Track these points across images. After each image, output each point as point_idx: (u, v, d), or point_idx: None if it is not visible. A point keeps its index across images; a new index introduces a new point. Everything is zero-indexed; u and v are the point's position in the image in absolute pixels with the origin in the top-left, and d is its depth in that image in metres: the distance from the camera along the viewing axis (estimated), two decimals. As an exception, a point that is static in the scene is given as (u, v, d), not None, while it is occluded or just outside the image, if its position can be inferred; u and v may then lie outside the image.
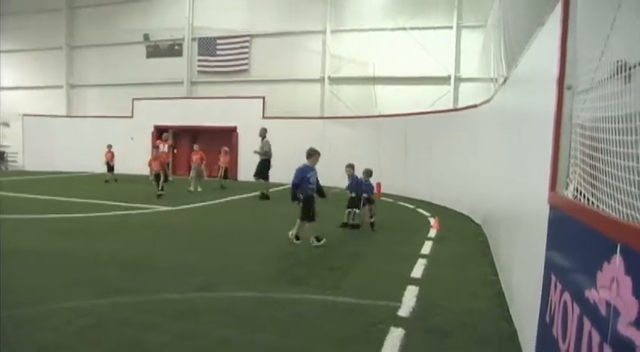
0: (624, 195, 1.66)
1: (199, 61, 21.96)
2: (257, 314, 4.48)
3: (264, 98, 20.23)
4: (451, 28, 18.39)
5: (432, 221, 9.72)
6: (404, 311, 4.66)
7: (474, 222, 10.41)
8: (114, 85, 23.46)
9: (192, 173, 15.29)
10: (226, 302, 4.80)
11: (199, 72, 22.11)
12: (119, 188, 15.64)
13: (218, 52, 21.56)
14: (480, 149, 9.80)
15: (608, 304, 1.65)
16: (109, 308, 4.45)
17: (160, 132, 18.92)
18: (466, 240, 8.55)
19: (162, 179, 13.17)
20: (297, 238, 7.64)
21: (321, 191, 7.99)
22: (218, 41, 21.51)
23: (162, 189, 13.05)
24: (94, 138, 20.45)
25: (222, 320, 4.26)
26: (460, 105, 16.33)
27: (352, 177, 9.24)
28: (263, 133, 13.84)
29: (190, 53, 22.16)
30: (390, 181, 14.34)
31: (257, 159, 13.83)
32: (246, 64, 21.20)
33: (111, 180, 17.56)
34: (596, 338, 1.76)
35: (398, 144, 15.40)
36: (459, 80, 18.45)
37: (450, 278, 6.03)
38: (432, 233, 8.89)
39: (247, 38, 21.06)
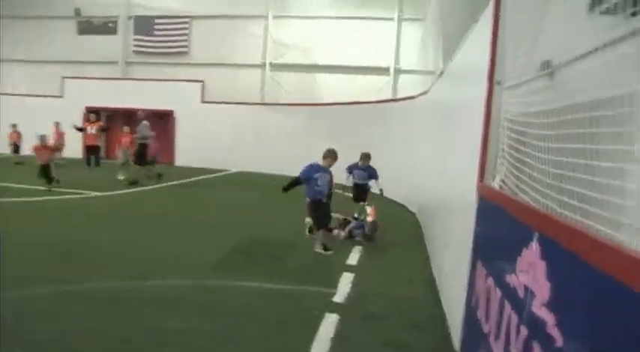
0: (543, 186, 1.78)
1: (135, 40, 20.99)
2: (193, 301, 4.43)
3: (203, 82, 19.74)
4: (392, 19, 18.68)
5: (369, 209, 9.89)
6: (339, 297, 4.76)
7: (409, 210, 10.72)
8: (42, 62, 21.95)
9: (122, 158, 14.13)
10: (161, 289, 4.72)
11: (135, 52, 21.15)
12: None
13: (156, 32, 20.70)
14: (417, 139, 10.08)
15: (525, 288, 1.76)
16: (33, 299, 4.24)
17: (90, 113, 17.97)
18: (401, 228, 8.79)
19: (51, 170, 11.02)
20: (326, 249, 6.58)
21: (328, 198, 6.94)
22: (156, 21, 20.65)
23: (50, 183, 10.91)
24: (20, 118, 19.12)
25: (156, 308, 4.18)
26: (399, 96, 16.66)
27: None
28: (142, 115, 13.10)
29: (126, 32, 21.16)
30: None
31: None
32: (185, 46, 20.54)
33: (19, 162, 16.40)
34: (514, 319, 1.89)
35: (338, 132, 15.54)
36: (398, 71, 18.81)
37: (384, 265, 6.20)
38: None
39: (187, 19, 20.38)
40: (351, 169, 8.71)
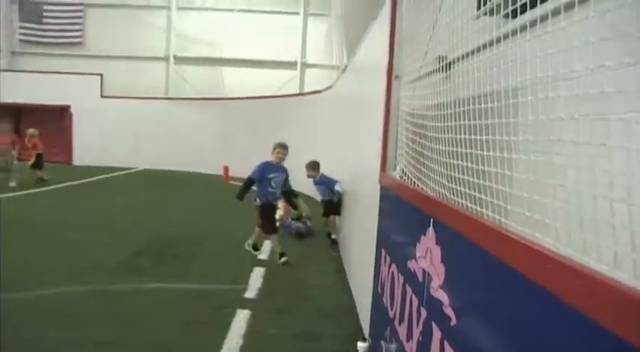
0: (437, 175, 1.88)
1: (22, 28, 19.20)
2: (94, 310, 4.16)
3: (102, 75, 18.60)
4: (298, 14, 18.78)
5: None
6: (250, 292, 4.74)
7: (317, 201, 10.85)
8: None
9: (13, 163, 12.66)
10: (59, 299, 4.38)
11: (22, 41, 19.41)
12: None
13: (45, 20, 19.10)
14: (323, 132, 10.23)
15: (424, 272, 1.86)
16: None
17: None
18: (312, 220, 8.88)
19: None
20: (255, 248, 6.36)
21: (289, 198, 6.71)
22: (45, 7, 19.04)
23: None
24: None
25: (53, 320, 3.87)
26: (306, 90, 16.81)
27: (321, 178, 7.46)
28: None
29: (9, 18, 19.27)
30: (238, 164, 14.27)
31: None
32: (79, 36, 19.17)
33: None
34: (415, 302, 1.98)
35: (245, 127, 15.39)
36: (305, 66, 18.98)
37: (295, 257, 6.24)
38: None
39: (80, 7, 19.06)
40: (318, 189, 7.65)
